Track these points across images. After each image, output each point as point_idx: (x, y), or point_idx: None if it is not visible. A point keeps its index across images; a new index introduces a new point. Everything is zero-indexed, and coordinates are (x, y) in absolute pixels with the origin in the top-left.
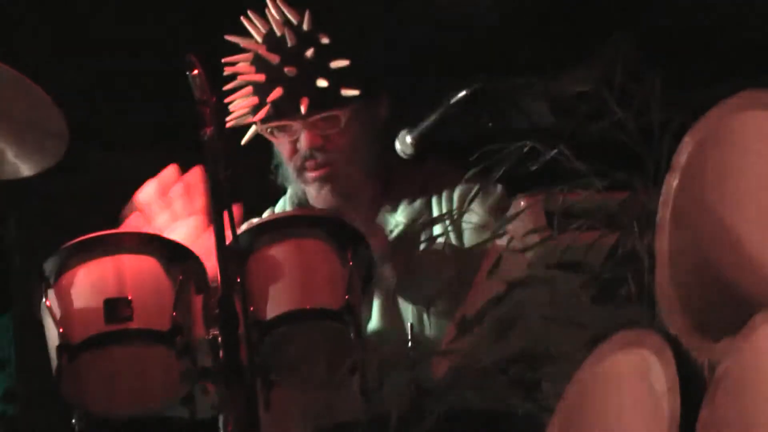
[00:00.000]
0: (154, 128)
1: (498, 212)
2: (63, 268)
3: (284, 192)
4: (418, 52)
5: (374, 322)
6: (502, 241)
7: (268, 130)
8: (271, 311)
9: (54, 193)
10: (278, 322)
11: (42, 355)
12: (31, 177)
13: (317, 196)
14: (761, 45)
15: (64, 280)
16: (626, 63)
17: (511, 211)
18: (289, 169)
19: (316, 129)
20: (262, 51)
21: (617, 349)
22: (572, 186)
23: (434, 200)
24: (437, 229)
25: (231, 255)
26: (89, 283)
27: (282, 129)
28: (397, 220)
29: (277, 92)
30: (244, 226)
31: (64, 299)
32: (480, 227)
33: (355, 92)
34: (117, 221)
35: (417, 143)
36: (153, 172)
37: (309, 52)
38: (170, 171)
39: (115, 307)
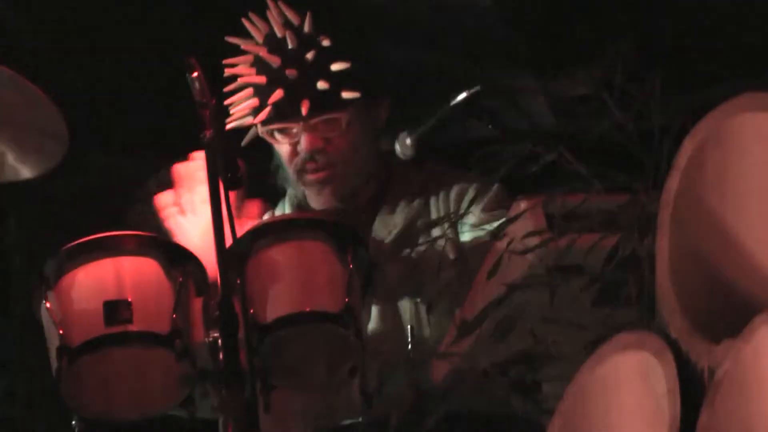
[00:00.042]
0: (154, 130)
1: (496, 209)
2: (63, 270)
3: (284, 194)
4: (418, 55)
5: (373, 324)
6: (502, 243)
7: (269, 132)
8: (271, 314)
9: (54, 195)
10: (278, 324)
11: (42, 356)
12: (31, 178)
13: (317, 198)
14: (761, 47)
15: (64, 282)
16: (626, 65)
17: (511, 213)
18: (289, 171)
19: (316, 131)
20: (263, 53)
21: (617, 351)
22: (572, 188)
23: (432, 201)
24: (436, 231)
25: (231, 257)
26: (89, 284)
27: (282, 131)
28: (396, 221)
29: (277, 94)
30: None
31: (64, 301)
32: (477, 226)
33: (355, 94)
34: (117, 223)
35: (416, 145)
36: (152, 174)
37: (310, 55)
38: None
39: (115, 309)
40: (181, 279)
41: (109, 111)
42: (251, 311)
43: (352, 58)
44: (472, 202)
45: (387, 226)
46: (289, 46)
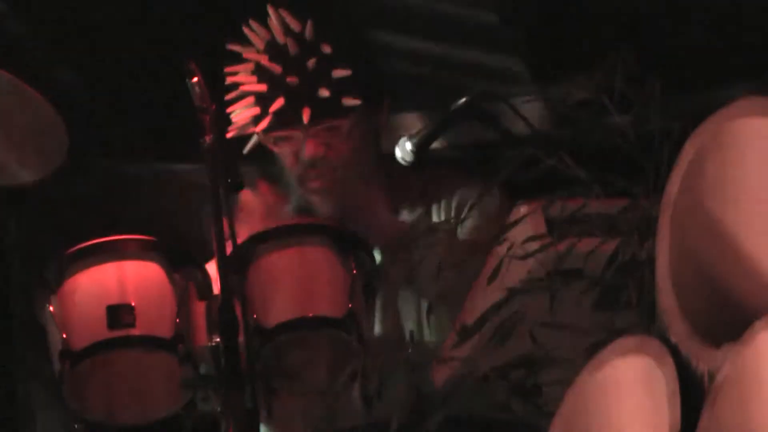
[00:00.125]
0: (154, 133)
1: (496, 219)
2: (66, 274)
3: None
4: (419, 59)
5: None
6: (502, 248)
7: (271, 139)
8: (274, 319)
9: (54, 197)
10: (280, 330)
11: (43, 359)
12: (31, 182)
13: (320, 204)
14: (761, 49)
15: (67, 286)
16: (626, 69)
17: (511, 217)
18: (291, 177)
19: (318, 138)
20: (264, 61)
21: (618, 355)
22: (572, 193)
23: (434, 208)
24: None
25: (232, 262)
26: (92, 288)
27: (284, 139)
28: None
29: (278, 102)
30: None
31: (67, 305)
32: (475, 229)
33: (356, 101)
34: (117, 226)
35: (417, 150)
36: (153, 178)
37: (311, 62)
38: None
39: (118, 313)
40: (183, 283)
41: (109, 114)
42: (254, 316)
43: (352, 64)
44: (472, 207)
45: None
46: (290, 54)
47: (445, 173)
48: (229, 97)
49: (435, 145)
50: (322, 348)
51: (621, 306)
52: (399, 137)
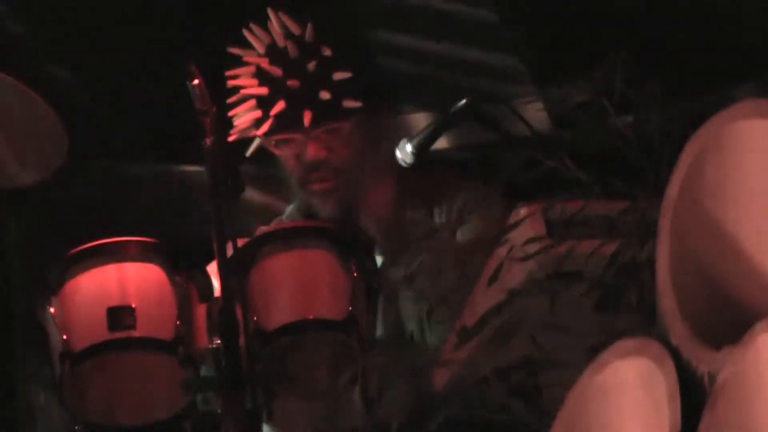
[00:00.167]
0: (154, 135)
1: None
2: (67, 275)
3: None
4: (420, 60)
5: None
6: (502, 250)
7: (272, 142)
8: (274, 321)
9: (54, 199)
10: (281, 332)
11: (43, 360)
12: (31, 184)
13: (322, 206)
14: (761, 51)
15: (68, 287)
16: (626, 71)
17: (511, 220)
18: (293, 180)
19: (319, 141)
20: (265, 64)
21: (618, 358)
22: (572, 195)
23: (437, 211)
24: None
25: (233, 265)
26: (93, 290)
27: (285, 142)
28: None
29: (279, 105)
30: None
31: (68, 306)
32: (476, 231)
33: (357, 104)
34: (118, 227)
35: (417, 152)
36: (153, 179)
37: (311, 65)
38: None
39: (118, 315)
40: (184, 285)
41: (109, 115)
42: (255, 318)
43: (353, 67)
44: (472, 210)
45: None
46: (291, 57)
47: (447, 175)
48: (230, 100)
49: (437, 146)
50: (322, 350)
51: (621, 308)
52: (400, 138)
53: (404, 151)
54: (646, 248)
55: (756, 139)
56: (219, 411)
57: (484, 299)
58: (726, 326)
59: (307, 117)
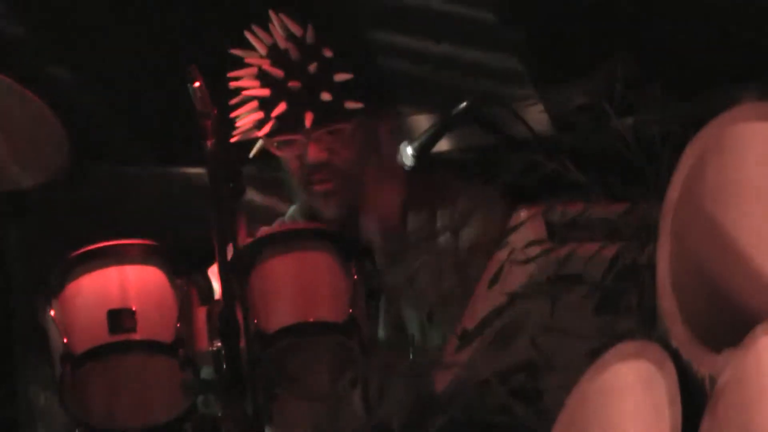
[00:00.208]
0: (155, 138)
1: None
2: (68, 278)
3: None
4: (420, 63)
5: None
6: (502, 253)
7: (274, 144)
8: (274, 324)
9: (54, 201)
10: (281, 335)
11: (44, 362)
12: (33, 188)
13: (324, 208)
14: (762, 54)
15: (69, 290)
16: (626, 74)
17: (512, 222)
18: (295, 181)
19: (320, 143)
20: (266, 66)
21: (618, 361)
22: (573, 197)
23: (439, 214)
24: (443, 240)
25: (234, 267)
26: (93, 293)
27: (287, 143)
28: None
29: (281, 107)
30: None
31: (69, 309)
32: (478, 234)
33: (358, 105)
34: (118, 230)
35: (418, 154)
36: (154, 182)
37: (312, 66)
38: None
39: (119, 317)
40: (185, 288)
41: (110, 118)
42: (255, 321)
43: (354, 68)
44: (473, 212)
45: (398, 236)
46: (292, 58)
47: (449, 177)
48: (233, 101)
49: (438, 148)
50: (323, 353)
51: (622, 311)
52: (401, 140)
53: (405, 154)
54: (647, 251)
55: (757, 142)
56: (219, 413)
57: (484, 302)
58: (727, 329)
59: (308, 118)
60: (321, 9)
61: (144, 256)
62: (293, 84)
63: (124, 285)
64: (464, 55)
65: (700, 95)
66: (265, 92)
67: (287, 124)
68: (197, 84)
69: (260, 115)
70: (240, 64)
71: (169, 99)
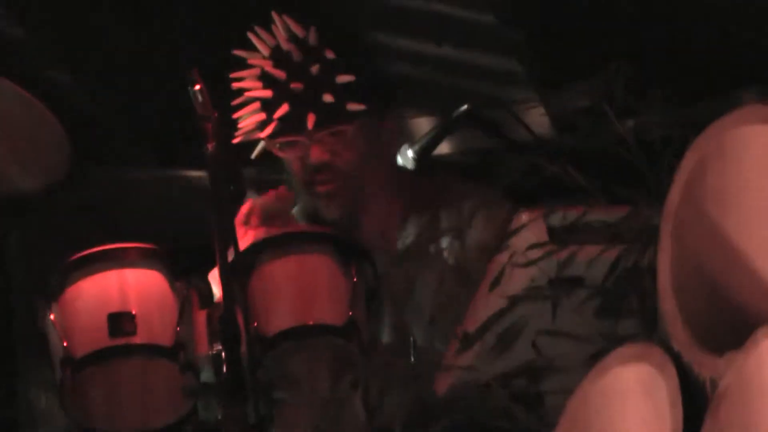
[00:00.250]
0: (156, 141)
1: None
2: (68, 282)
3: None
4: (421, 65)
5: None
6: (503, 256)
7: (276, 145)
8: (274, 327)
9: (56, 205)
10: (281, 338)
11: (44, 366)
12: (34, 191)
13: (326, 210)
14: (762, 57)
15: (69, 294)
16: (627, 77)
17: (513, 225)
18: (298, 183)
19: (322, 144)
20: (269, 67)
21: (620, 363)
22: (574, 201)
23: (444, 216)
24: (444, 243)
25: (234, 270)
26: (93, 296)
27: (289, 144)
28: (407, 232)
29: (283, 108)
30: None
31: (69, 313)
32: (483, 240)
33: (360, 107)
34: (118, 234)
35: (419, 157)
36: (154, 186)
37: (314, 68)
38: None
39: (119, 321)
40: (185, 291)
41: (111, 121)
42: (255, 324)
43: (356, 70)
44: (478, 214)
45: (399, 238)
46: (294, 60)
47: (451, 179)
48: (235, 102)
49: (438, 151)
50: (323, 356)
51: (623, 314)
52: (403, 142)
53: (406, 157)
54: (648, 254)
55: (757, 145)
56: (220, 417)
57: (485, 305)
58: (728, 332)
59: (310, 120)
60: (322, 11)
61: (144, 260)
62: (295, 85)
63: (124, 288)
64: (465, 57)
65: (700, 98)
66: (268, 93)
67: (289, 126)
68: (198, 87)
69: (262, 116)
70: (242, 65)
71: (169, 101)
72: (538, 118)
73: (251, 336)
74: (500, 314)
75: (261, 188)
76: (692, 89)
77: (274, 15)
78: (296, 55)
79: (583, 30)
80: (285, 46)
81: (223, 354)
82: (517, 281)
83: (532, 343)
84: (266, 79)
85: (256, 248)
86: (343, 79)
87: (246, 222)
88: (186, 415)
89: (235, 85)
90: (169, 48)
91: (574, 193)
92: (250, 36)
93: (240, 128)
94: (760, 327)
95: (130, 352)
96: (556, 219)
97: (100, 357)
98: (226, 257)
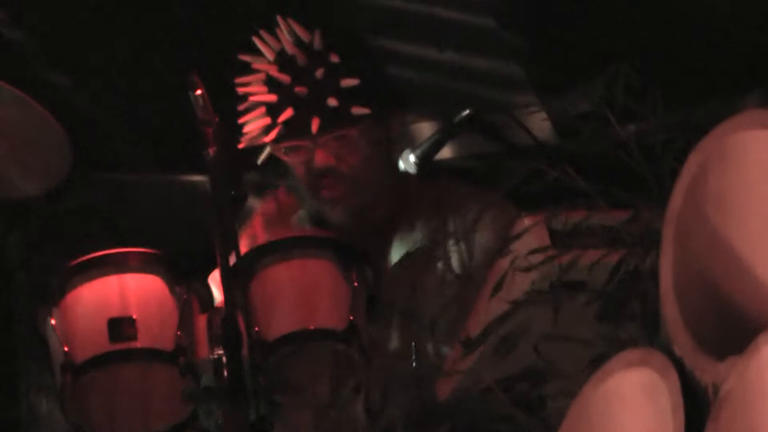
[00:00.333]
0: (157, 145)
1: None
2: (68, 286)
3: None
4: (423, 70)
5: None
6: (505, 260)
7: (281, 149)
8: (275, 331)
9: (57, 209)
10: (282, 342)
11: (45, 371)
12: (35, 195)
13: (331, 214)
14: (764, 60)
15: (69, 299)
16: (628, 81)
17: (515, 230)
18: (303, 187)
19: (327, 148)
20: (273, 71)
21: (621, 368)
22: (575, 205)
23: (451, 222)
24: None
25: (235, 274)
26: (94, 301)
27: (293, 149)
28: (416, 238)
29: (288, 112)
30: None
31: (69, 318)
32: (486, 251)
33: (365, 111)
34: (119, 239)
35: (421, 162)
36: (155, 191)
37: (319, 72)
38: None
39: (119, 326)
40: (185, 296)
41: (113, 125)
42: (256, 329)
43: (361, 74)
44: (484, 217)
45: (407, 244)
46: (299, 64)
47: (459, 185)
48: (241, 108)
49: (440, 155)
50: (323, 360)
51: (625, 318)
52: (405, 146)
53: (408, 161)
54: (650, 258)
55: (759, 150)
56: (220, 422)
57: (487, 309)
58: (730, 336)
59: (315, 124)
60: (326, 14)
61: (144, 265)
62: (300, 89)
63: (125, 293)
64: (467, 62)
65: (702, 102)
66: (272, 98)
67: (294, 130)
68: (199, 92)
69: (267, 120)
70: (244, 68)
71: (170, 105)
72: (539, 123)
73: (252, 340)
74: (502, 318)
75: (264, 192)
76: (694, 93)
77: (279, 19)
78: (301, 59)
79: (584, 34)
80: (290, 50)
81: (223, 358)
82: (519, 286)
83: (533, 348)
84: (271, 84)
85: (257, 253)
86: (348, 83)
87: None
88: (186, 420)
89: (241, 90)
90: (171, 51)
91: (575, 198)
92: (255, 40)
93: (245, 133)
94: (761, 332)
95: (130, 356)
96: (558, 223)
97: (100, 362)
98: (227, 261)
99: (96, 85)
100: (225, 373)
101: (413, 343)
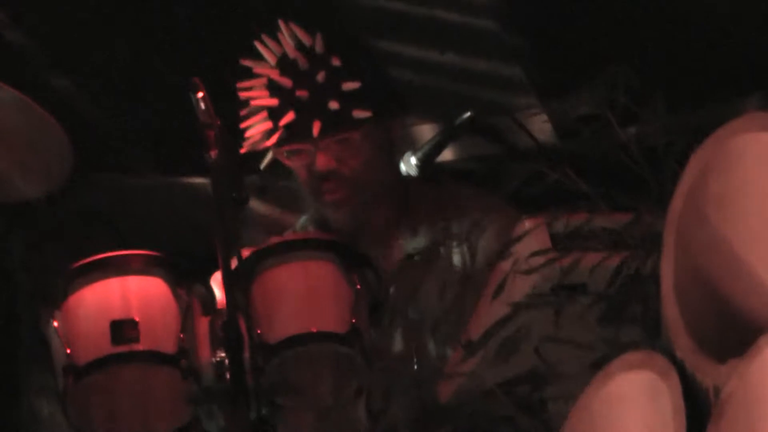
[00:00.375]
0: (159, 148)
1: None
2: (70, 289)
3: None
4: (424, 72)
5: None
6: (506, 263)
7: (284, 153)
8: (277, 334)
9: (59, 212)
10: (284, 345)
11: (47, 373)
12: (36, 198)
13: (333, 217)
14: (765, 63)
15: (72, 301)
16: (629, 84)
17: (516, 232)
18: (306, 191)
19: (329, 152)
20: (275, 75)
21: (622, 371)
22: (576, 207)
23: (455, 225)
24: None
25: (237, 277)
26: (96, 304)
27: (295, 152)
28: (419, 242)
29: (289, 116)
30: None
31: (71, 320)
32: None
33: (366, 114)
34: (121, 241)
35: (422, 164)
36: (156, 193)
37: (320, 75)
38: None
39: (122, 328)
40: (187, 298)
41: (114, 128)
42: (258, 331)
43: (362, 77)
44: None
45: (409, 246)
46: (300, 68)
47: (462, 188)
48: (243, 112)
49: (441, 158)
50: (325, 363)
51: (626, 321)
52: (406, 149)
53: (409, 164)
54: (651, 261)
55: (760, 152)
56: (222, 424)
57: (489, 312)
58: (731, 339)
59: (316, 127)
60: (327, 17)
61: (147, 267)
62: (301, 93)
63: (127, 296)
64: (468, 64)
65: (703, 105)
66: (274, 102)
67: (296, 134)
68: (200, 94)
69: (269, 124)
70: (246, 71)
71: (171, 107)
72: (540, 125)
73: (254, 343)
74: (503, 321)
75: (267, 195)
76: (694, 96)
77: (281, 23)
78: (302, 63)
79: (585, 36)
80: (291, 54)
81: (225, 361)
82: (520, 288)
83: (535, 350)
84: (272, 88)
85: (259, 255)
86: (349, 86)
87: None
88: (189, 422)
89: (243, 94)
90: (171, 53)
91: (576, 200)
92: (257, 45)
93: (247, 138)
94: (762, 334)
95: (132, 359)
96: (559, 226)
97: (102, 364)
98: (229, 264)
99: (96, 87)
100: (227, 376)
101: (415, 346)
